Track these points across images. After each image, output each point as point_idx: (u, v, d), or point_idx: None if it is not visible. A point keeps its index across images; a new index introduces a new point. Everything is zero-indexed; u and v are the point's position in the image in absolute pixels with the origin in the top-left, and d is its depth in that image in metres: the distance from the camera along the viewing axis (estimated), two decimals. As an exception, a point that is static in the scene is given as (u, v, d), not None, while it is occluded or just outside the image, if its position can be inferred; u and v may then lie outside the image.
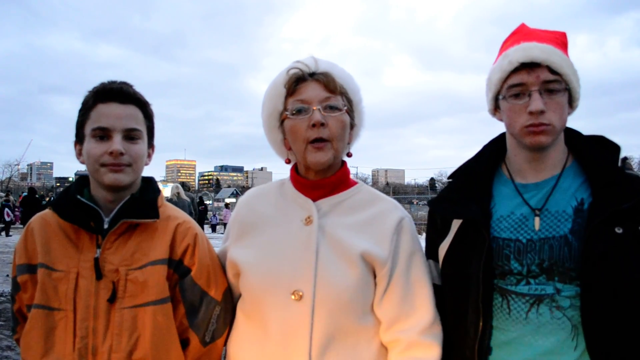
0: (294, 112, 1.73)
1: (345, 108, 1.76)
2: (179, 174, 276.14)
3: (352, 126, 1.83)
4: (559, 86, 1.59)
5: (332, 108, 1.73)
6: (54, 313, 1.66)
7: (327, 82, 1.73)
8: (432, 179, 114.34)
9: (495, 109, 1.73)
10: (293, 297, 1.66)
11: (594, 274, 1.51)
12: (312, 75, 1.75)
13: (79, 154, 1.80)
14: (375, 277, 1.72)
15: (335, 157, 1.75)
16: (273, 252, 1.74)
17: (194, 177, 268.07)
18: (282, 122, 1.79)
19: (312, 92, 1.73)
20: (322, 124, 1.69)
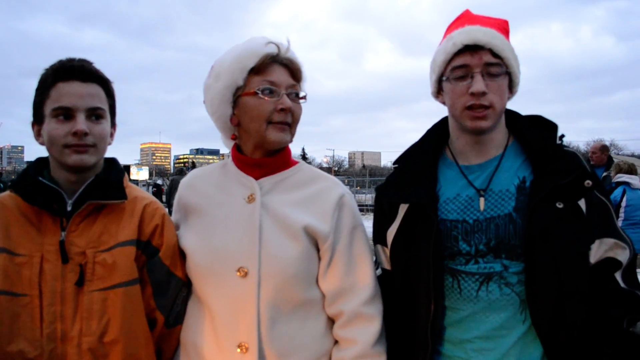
0: (263, 91, 1.72)
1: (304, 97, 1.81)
2: (154, 157, 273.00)
3: None
4: (500, 69, 1.63)
5: (297, 96, 1.79)
6: (18, 299, 1.60)
7: (295, 70, 1.77)
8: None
9: (439, 92, 1.76)
10: (238, 274, 1.68)
11: (536, 250, 1.56)
12: (281, 59, 1.76)
13: (37, 135, 1.74)
14: (319, 251, 1.75)
15: (290, 140, 1.81)
16: (217, 232, 1.75)
17: (169, 161, 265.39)
18: (236, 97, 1.76)
19: (281, 76, 1.74)
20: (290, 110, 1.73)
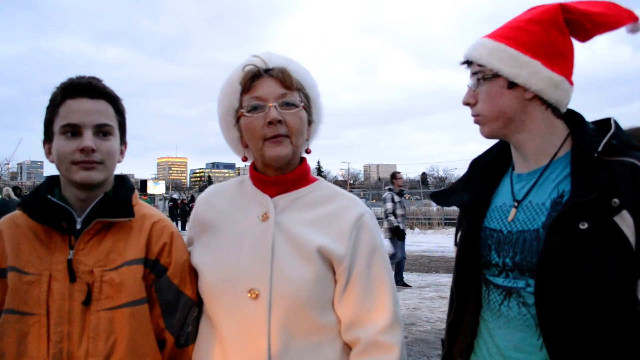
0: (249, 109, 1.69)
1: (302, 104, 1.72)
2: (171, 171, 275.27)
3: (309, 122, 1.79)
4: (481, 76, 1.59)
5: (289, 105, 1.68)
6: (26, 318, 1.59)
7: (283, 79, 1.69)
8: (423, 174, 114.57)
9: None
10: (249, 295, 1.61)
11: (548, 271, 1.43)
12: (268, 71, 1.70)
13: (48, 153, 1.73)
14: (335, 273, 1.67)
15: (294, 152, 1.71)
16: (229, 250, 1.70)
17: (185, 175, 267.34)
18: (238, 119, 1.75)
19: (267, 88, 1.68)
20: (279, 121, 1.65)
